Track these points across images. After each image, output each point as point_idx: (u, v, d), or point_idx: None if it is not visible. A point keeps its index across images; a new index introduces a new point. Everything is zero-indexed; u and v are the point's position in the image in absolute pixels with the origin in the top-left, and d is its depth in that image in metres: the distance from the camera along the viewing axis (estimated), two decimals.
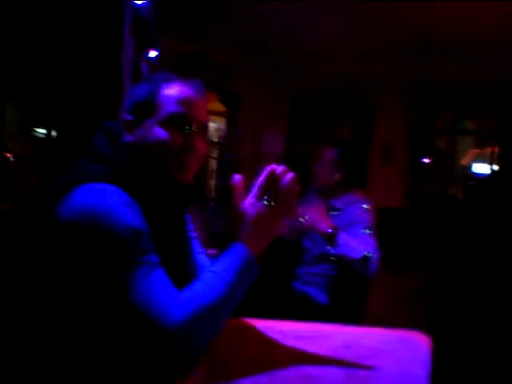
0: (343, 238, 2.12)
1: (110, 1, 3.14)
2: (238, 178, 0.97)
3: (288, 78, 6.29)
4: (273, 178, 0.95)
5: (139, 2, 3.83)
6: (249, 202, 0.95)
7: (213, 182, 7.80)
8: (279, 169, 0.96)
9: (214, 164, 7.71)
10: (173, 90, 1.05)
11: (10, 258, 0.94)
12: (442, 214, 5.62)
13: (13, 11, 2.01)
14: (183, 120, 1.03)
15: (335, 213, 2.29)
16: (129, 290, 0.83)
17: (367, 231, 2.20)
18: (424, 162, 6.50)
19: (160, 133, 1.02)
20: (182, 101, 1.04)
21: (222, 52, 5.78)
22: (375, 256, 2.13)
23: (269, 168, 0.96)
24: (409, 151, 6.10)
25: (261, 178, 0.96)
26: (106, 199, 0.89)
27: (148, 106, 1.04)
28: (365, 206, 2.30)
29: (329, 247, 2.15)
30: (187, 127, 1.03)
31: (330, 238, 2.12)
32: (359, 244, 2.13)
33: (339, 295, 2.26)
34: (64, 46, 2.85)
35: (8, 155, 2.65)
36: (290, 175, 0.95)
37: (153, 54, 5.22)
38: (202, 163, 1.10)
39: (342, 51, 5.52)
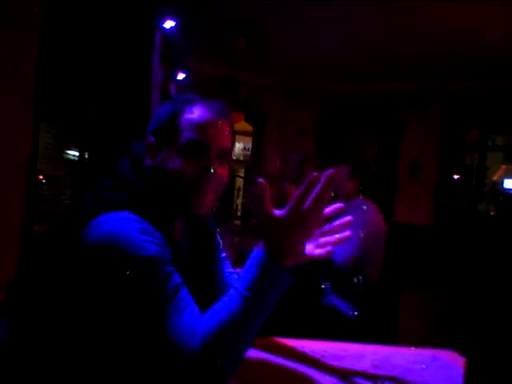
0: None
1: (140, 25, 3.23)
2: (261, 181, 0.88)
3: (313, 96, 6.32)
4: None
5: (168, 27, 3.95)
6: (281, 213, 0.87)
7: (239, 201, 7.83)
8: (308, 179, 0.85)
9: (240, 183, 7.76)
10: (193, 115, 1.02)
11: (42, 278, 0.97)
12: (472, 231, 5.51)
13: (51, 38, 2.11)
14: (201, 148, 1.00)
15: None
16: (151, 315, 0.84)
17: (359, 225, 2.30)
18: (453, 178, 6.39)
19: (176, 161, 1.00)
20: (201, 126, 1.01)
21: (248, 73, 5.87)
22: (343, 250, 2.28)
23: (310, 177, 0.84)
24: (438, 167, 6.01)
25: (299, 189, 0.85)
26: (123, 227, 0.90)
27: (168, 131, 1.02)
28: (364, 207, 2.43)
29: None
30: (204, 155, 1.01)
31: None
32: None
33: (368, 310, 2.26)
34: (96, 69, 2.94)
35: (40, 177, 2.72)
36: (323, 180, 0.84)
37: (181, 76, 5.36)
38: (223, 189, 1.07)
39: (367, 68, 5.53)
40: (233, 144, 1.10)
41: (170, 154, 1.01)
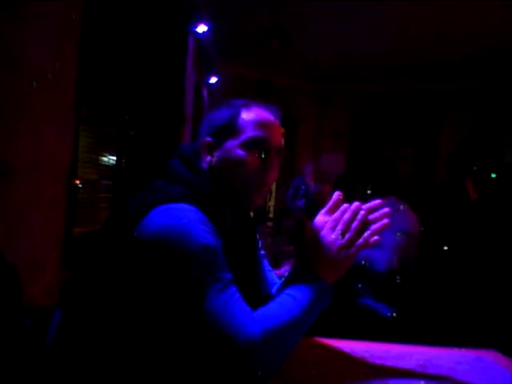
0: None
1: (174, 31, 3.28)
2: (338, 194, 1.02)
3: (346, 98, 6.27)
4: (348, 214, 0.98)
5: (200, 31, 3.99)
6: (324, 231, 0.98)
7: (272, 203, 7.84)
8: (354, 206, 0.99)
9: (273, 185, 7.77)
10: (252, 114, 1.10)
11: (95, 274, 0.98)
12: None
13: (89, 45, 2.16)
14: (263, 143, 1.08)
15: None
16: (205, 306, 0.85)
17: (395, 231, 2.23)
18: (493, 177, 6.21)
19: (241, 153, 1.07)
20: (261, 125, 1.09)
21: (280, 76, 5.88)
22: (383, 255, 2.18)
23: (343, 207, 0.99)
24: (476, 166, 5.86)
25: (336, 213, 0.99)
26: (182, 217, 0.92)
27: (229, 129, 1.10)
28: (399, 207, 2.34)
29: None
30: (266, 150, 1.09)
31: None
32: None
33: (415, 316, 2.22)
34: (132, 75, 3.00)
35: (76, 181, 2.78)
36: (363, 211, 0.98)
37: (213, 79, 5.40)
38: (272, 184, 1.14)
39: (401, 68, 5.45)
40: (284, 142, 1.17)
41: (232, 149, 1.09)
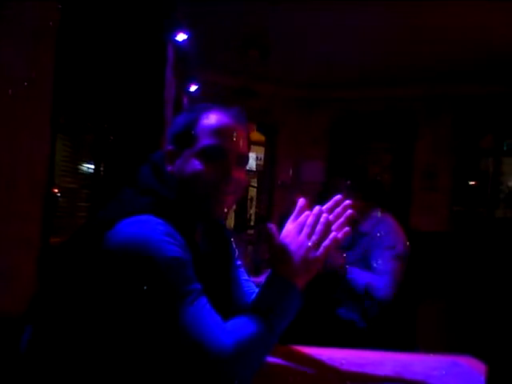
0: (352, 271, 2.14)
1: (153, 39, 3.27)
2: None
3: (325, 105, 6.33)
4: (312, 218, 0.97)
5: (180, 39, 3.99)
6: (290, 236, 0.97)
7: (253, 211, 7.85)
8: (317, 210, 0.98)
9: (253, 193, 7.78)
10: (210, 120, 1.05)
11: (65, 287, 0.97)
12: (489, 237, 5.45)
13: (67, 52, 2.15)
14: (218, 152, 1.03)
15: (364, 237, 2.28)
16: (175, 319, 0.85)
17: (391, 252, 2.16)
18: (469, 185, 6.33)
19: (196, 164, 1.03)
20: (218, 131, 1.04)
21: (260, 84, 5.90)
22: (386, 281, 2.10)
23: (315, 211, 0.98)
24: (453, 174, 5.97)
25: (305, 217, 0.98)
26: (148, 230, 0.91)
27: (187, 137, 1.05)
28: (390, 225, 2.28)
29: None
30: (222, 159, 1.03)
31: (342, 276, 2.13)
32: (365, 273, 2.14)
33: (387, 323, 2.21)
34: (111, 83, 2.98)
35: (55, 190, 2.74)
36: (326, 216, 0.97)
37: (193, 88, 5.40)
38: (241, 194, 1.10)
39: (378, 74, 5.52)
40: (249, 149, 1.12)
41: (189, 158, 1.04)
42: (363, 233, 2.30)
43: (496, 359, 1.28)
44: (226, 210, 1.07)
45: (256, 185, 7.94)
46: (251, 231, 6.70)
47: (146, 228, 0.91)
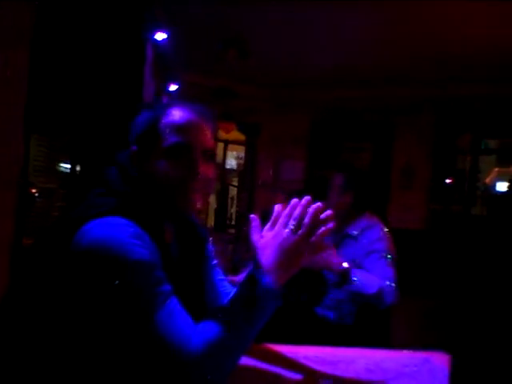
0: (356, 274, 2.02)
1: (131, 38, 3.25)
2: (253, 217, 0.97)
3: (305, 105, 6.35)
4: (299, 210, 0.94)
5: (159, 39, 3.97)
6: (271, 232, 0.95)
7: (233, 210, 7.84)
8: (304, 200, 0.94)
9: (234, 192, 7.78)
10: (173, 117, 1.04)
11: (32, 288, 0.96)
12: (465, 234, 5.54)
13: (42, 51, 2.12)
14: (183, 148, 1.02)
15: (351, 241, 2.25)
16: (145, 321, 0.85)
17: (386, 258, 2.13)
18: (446, 183, 6.43)
19: (161, 163, 1.01)
20: (181, 128, 1.02)
21: (240, 84, 5.91)
22: (391, 286, 2.06)
23: (293, 202, 0.95)
24: (430, 172, 6.05)
25: (286, 210, 0.95)
26: (115, 232, 0.90)
27: (150, 136, 1.04)
28: (380, 231, 2.23)
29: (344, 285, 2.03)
30: (188, 155, 1.02)
31: (344, 276, 2.00)
32: (373, 277, 2.06)
33: (361, 320, 2.23)
34: (88, 82, 2.95)
35: (32, 190, 2.71)
36: (315, 206, 0.93)
37: (173, 87, 5.37)
38: (211, 189, 1.09)
39: (356, 74, 5.56)
40: (216, 143, 1.11)
41: (153, 157, 1.03)
42: (350, 235, 2.27)
43: (466, 354, 1.31)
44: (198, 206, 1.05)
45: (237, 184, 7.95)
46: (232, 230, 6.71)
47: (113, 230, 0.91)
